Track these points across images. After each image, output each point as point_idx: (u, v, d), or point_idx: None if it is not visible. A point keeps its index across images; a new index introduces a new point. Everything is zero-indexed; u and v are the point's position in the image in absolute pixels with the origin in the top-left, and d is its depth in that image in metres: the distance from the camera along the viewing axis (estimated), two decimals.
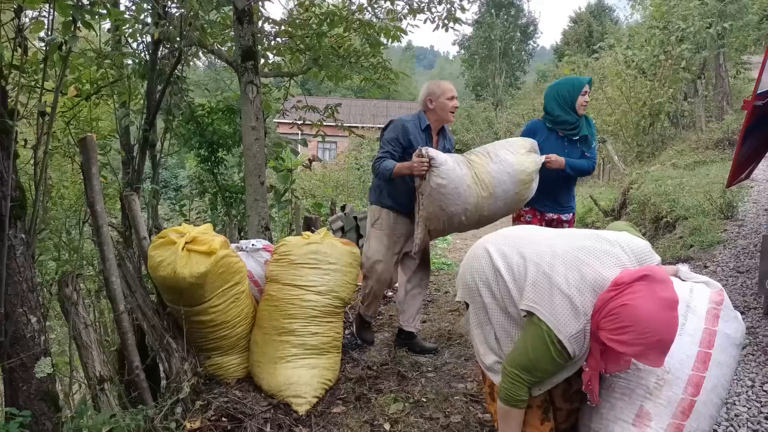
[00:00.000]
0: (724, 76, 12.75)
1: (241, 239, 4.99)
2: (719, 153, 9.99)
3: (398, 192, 3.39)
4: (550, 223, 3.50)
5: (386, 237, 3.42)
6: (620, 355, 1.80)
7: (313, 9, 5.90)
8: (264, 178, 4.64)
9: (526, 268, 2.03)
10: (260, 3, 5.43)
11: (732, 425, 2.53)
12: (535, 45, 37.30)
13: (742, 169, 4.31)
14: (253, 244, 3.27)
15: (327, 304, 2.90)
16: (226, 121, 5.45)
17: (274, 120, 7.82)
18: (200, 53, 4.90)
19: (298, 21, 5.90)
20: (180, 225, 2.89)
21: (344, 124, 6.54)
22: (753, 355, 3.13)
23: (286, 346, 2.85)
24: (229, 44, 5.52)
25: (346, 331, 3.71)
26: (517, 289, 2.05)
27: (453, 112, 3.34)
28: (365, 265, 3.42)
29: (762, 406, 2.66)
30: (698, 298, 2.09)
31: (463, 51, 36.08)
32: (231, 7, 4.51)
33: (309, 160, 5.92)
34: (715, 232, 5.40)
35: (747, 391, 2.80)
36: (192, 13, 3.56)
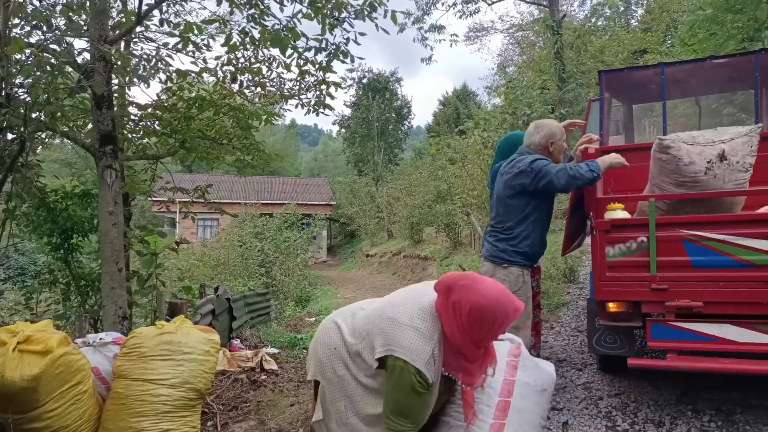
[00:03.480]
0: (567, 153, 14.59)
1: (97, 331, 4.66)
2: (561, 223, 11.22)
3: (542, 233, 3.16)
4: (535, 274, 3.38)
5: (528, 302, 3.06)
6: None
7: (180, 93, 5.95)
8: (122, 264, 4.44)
9: (372, 323, 2.21)
10: (126, 87, 5.41)
11: None
12: (409, 125, 40.03)
13: (573, 238, 4.90)
14: (101, 338, 3.09)
15: (180, 397, 2.80)
16: (82, 206, 5.18)
17: (149, 199, 7.52)
18: (51, 137, 4.70)
19: (165, 105, 5.91)
20: (24, 321, 2.69)
21: (215, 202, 6.49)
22: (587, 409, 3.47)
23: None
24: (90, 127, 5.36)
25: (209, 423, 3.55)
26: (369, 347, 2.18)
27: None
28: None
29: None
30: (499, 354, 2.37)
31: (343, 130, 37.68)
32: (89, 92, 4.45)
33: (176, 242, 5.75)
34: (560, 295, 6.01)
35: None
36: (39, 100, 3.46)
